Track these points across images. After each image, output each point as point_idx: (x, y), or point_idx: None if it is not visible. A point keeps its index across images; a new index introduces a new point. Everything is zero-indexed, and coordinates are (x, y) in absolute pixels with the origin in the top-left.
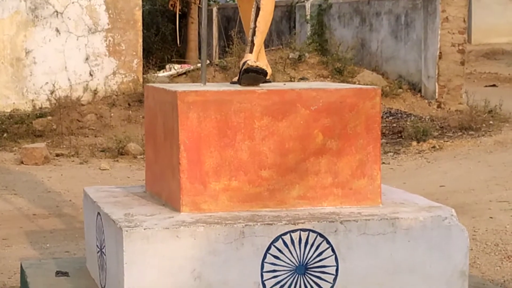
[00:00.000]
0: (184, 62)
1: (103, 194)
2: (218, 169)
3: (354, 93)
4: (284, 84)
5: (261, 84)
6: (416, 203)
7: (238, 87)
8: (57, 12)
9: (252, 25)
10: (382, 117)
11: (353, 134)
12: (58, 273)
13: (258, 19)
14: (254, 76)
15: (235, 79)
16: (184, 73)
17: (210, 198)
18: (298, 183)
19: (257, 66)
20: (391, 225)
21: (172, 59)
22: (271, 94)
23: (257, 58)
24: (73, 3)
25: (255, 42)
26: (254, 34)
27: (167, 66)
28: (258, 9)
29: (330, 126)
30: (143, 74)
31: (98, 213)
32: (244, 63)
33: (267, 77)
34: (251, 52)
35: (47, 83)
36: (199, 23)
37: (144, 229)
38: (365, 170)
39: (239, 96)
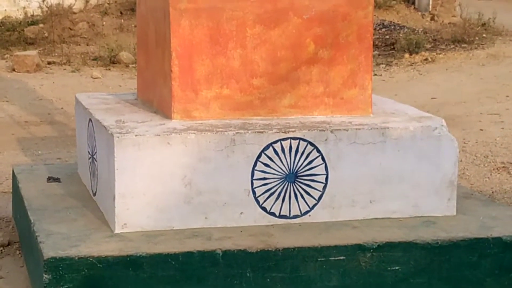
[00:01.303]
0: None
1: (94, 101)
2: (209, 77)
3: (346, 2)
4: None
5: None
6: (407, 113)
7: None
8: None
9: None
10: (375, 29)
11: (345, 44)
12: (50, 179)
13: None
14: None
15: None
16: None
17: (201, 105)
18: (290, 92)
19: None
20: (381, 134)
21: None
22: (263, 2)
23: None
24: None
25: None
26: None
27: None
28: None
29: (322, 35)
30: None
31: (90, 120)
32: None
33: None
34: None
35: None
36: None
37: (135, 135)
38: (356, 80)
39: (232, 4)
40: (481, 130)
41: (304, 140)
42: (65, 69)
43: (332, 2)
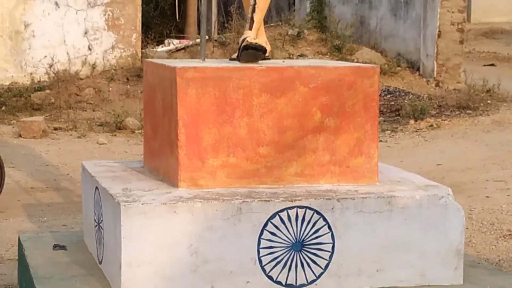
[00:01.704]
0: (183, 37)
1: (101, 169)
2: (216, 145)
3: (352, 71)
4: (283, 61)
5: (260, 61)
6: (413, 182)
7: (237, 64)
8: None
9: (252, 2)
10: (380, 95)
11: (351, 112)
12: (56, 247)
13: None
14: (253, 53)
15: (234, 55)
16: (183, 48)
17: (208, 174)
18: (296, 160)
19: (256, 43)
20: (387, 203)
21: (171, 34)
22: (270, 71)
23: (256, 35)
24: None
25: (254, 19)
26: (253, 11)
27: (166, 41)
28: None
29: (328, 104)
30: (142, 48)
31: (96, 188)
32: (243, 40)
33: (266, 54)
34: (250, 29)
35: (45, 56)
36: None
37: (142, 204)
38: (362, 148)
39: (238, 73)
40: (487, 197)
41: (310, 208)
42: (71, 134)
43: (338, 71)
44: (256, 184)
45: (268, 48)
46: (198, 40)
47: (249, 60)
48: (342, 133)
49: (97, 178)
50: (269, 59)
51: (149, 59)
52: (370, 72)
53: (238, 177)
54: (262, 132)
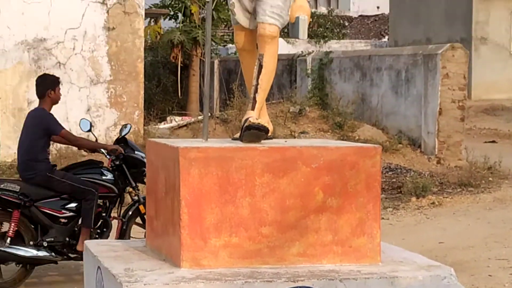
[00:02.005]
0: (185, 114)
1: (103, 248)
2: (218, 225)
3: (354, 152)
4: (285, 141)
5: (262, 141)
6: (415, 262)
7: (239, 144)
8: (59, 63)
9: (254, 82)
10: (381, 172)
11: (353, 192)
12: None
13: (261, 76)
14: (255, 133)
15: (237, 135)
16: (185, 125)
17: (210, 254)
18: (298, 240)
19: (258, 123)
20: (390, 284)
21: (173, 111)
22: (272, 151)
23: (259, 115)
24: (75, 54)
25: (257, 99)
26: (256, 91)
27: (168, 118)
28: (260, 66)
29: (331, 184)
30: (144, 125)
31: (98, 267)
32: (246, 120)
33: (269, 134)
34: (253, 109)
35: None
36: (201, 75)
37: (144, 284)
38: (365, 228)
39: (241, 153)
40: (490, 276)
41: None
42: None
43: (340, 151)
44: (259, 264)
45: (271, 128)
46: (200, 117)
47: (252, 140)
48: (344, 213)
49: (99, 257)
50: (271, 138)
51: (152, 139)
52: (372, 152)
53: (240, 257)
54: (264, 212)
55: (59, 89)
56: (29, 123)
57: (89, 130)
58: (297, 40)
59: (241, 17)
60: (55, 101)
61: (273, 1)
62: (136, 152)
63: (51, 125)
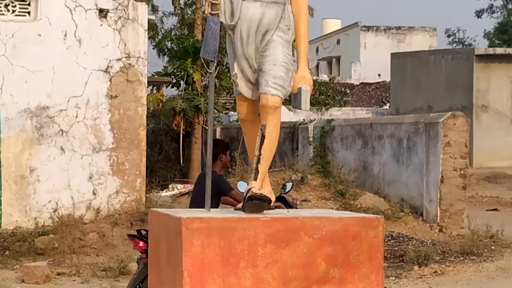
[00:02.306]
0: (187, 182)
1: None
2: None
3: (357, 222)
4: (288, 212)
5: (265, 211)
6: None
7: (242, 214)
8: (62, 131)
9: (257, 153)
10: (383, 240)
11: (355, 263)
12: None
13: (263, 147)
14: (258, 203)
15: (239, 205)
16: (187, 193)
17: None
18: None
19: (261, 194)
20: None
21: (175, 178)
22: (274, 222)
23: (261, 185)
24: (78, 122)
25: (259, 169)
26: (258, 161)
27: (170, 186)
28: (263, 137)
29: (333, 254)
30: (146, 193)
31: None
32: (248, 190)
33: (271, 204)
34: (255, 179)
35: (50, 201)
36: (203, 143)
37: None
38: None
39: (243, 224)
40: None
41: None
42: (74, 280)
43: (343, 221)
44: None
45: (273, 198)
46: None
47: (254, 210)
48: (347, 283)
49: None
50: (273, 209)
51: (154, 209)
52: (374, 223)
53: None
54: (267, 283)
55: (229, 154)
56: (202, 184)
57: (286, 193)
58: None
59: (243, 88)
60: (225, 164)
61: (276, 72)
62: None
63: (222, 186)
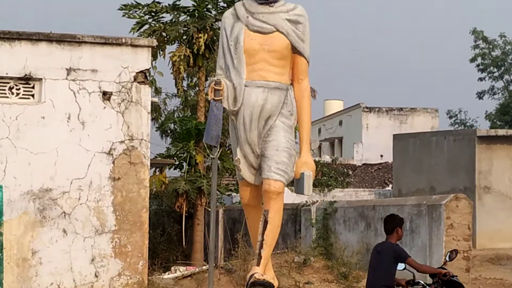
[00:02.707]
0: (190, 264)
1: None
2: None
3: None
4: None
5: None
6: None
7: None
8: (65, 213)
9: (259, 238)
10: None
11: None
12: None
13: (266, 232)
14: None
15: None
16: (190, 275)
17: None
18: None
19: (264, 279)
20: None
21: (178, 260)
22: None
23: (264, 270)
24: (81, 204)
25: (262, 255)
26: (261, 247)
27: (173, 268)
28: (266, 222)
29: None
30: (148, 275)
31: None
32: (251, 276)
33: None
34: (258, 265)
35: (52, 283)
36: (205, 225)
37: None
38: None
39: None
40: None
41: None
42: None
43: None
44: None
45: (276, 283)
46: (205, 267)
47: None
48: None
49: None
50: None
51: None
52: None
53: None
54: None
55: (403, 228)
56: (380, 254)
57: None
58: None
59: (246, 173)
60: (400, 237)
61: (278, 157)
62: (455, 277)
63: (400, 254)
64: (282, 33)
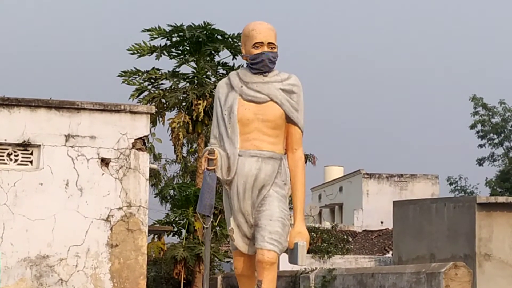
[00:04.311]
0: None
1: None
2: None
3: None
4: None
5: None
6: None
7: None
8: (62, 280)
9: None
10: None
11: None
12: None
13: None
14: None
15: None
16: None
17: None
18: None
19: None
20: None
21: None
22: None
23: None
24: (78, 271)
25: None
26: None
27: None
28: None
29: None
30: None
31: None
32: None
33: None
34: None
35: None
36: None
37: None
38: None
39: None
40: None
41: None
42: None
43: None
44: None
45: None
46: None
47: None
48: None
49: None
50: None
51: None
52: None
53: None
54: None
55: None
56: None
57: None
58: None
59: (240, 243)
60: None
61: (272, 227)
62: None
63: None
64: (276, 102)
